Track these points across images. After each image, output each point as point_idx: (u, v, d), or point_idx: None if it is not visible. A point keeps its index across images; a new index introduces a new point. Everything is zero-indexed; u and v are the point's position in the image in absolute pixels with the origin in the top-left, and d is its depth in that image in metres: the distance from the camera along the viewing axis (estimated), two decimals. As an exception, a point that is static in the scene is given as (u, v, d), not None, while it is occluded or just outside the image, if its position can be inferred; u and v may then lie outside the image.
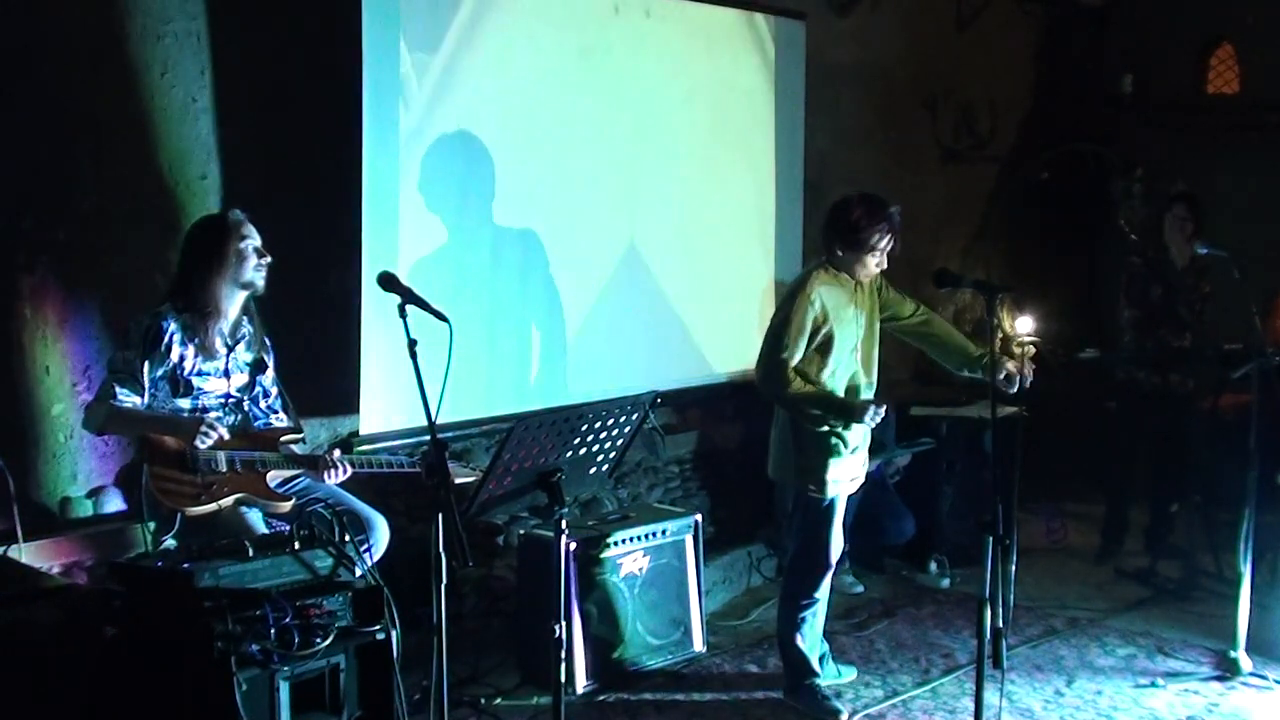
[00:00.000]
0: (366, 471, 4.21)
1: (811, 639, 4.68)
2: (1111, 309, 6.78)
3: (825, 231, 4.57)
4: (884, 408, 4.49)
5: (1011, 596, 4.98)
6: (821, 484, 4.52)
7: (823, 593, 4.67)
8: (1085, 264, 8.48)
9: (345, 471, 4.10)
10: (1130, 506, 6.59)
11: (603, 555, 4.83)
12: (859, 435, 4.57)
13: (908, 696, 4.78)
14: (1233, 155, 8.17)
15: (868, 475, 4.79)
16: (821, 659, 4.76)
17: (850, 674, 4.94)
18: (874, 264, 4.49)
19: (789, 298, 4.55)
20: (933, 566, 6.23)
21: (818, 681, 4.66)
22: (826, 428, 4.48)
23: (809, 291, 4.46)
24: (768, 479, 4.83)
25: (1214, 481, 5.98)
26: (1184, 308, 6.25)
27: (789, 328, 4.44)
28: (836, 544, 4.63)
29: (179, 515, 3.84)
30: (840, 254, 4.50)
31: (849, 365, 4.54)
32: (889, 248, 4.47)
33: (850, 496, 4.67)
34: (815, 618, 4.68)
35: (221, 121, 4.70)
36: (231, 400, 4.11)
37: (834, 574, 4.78)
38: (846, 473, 4.57)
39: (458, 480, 3.87)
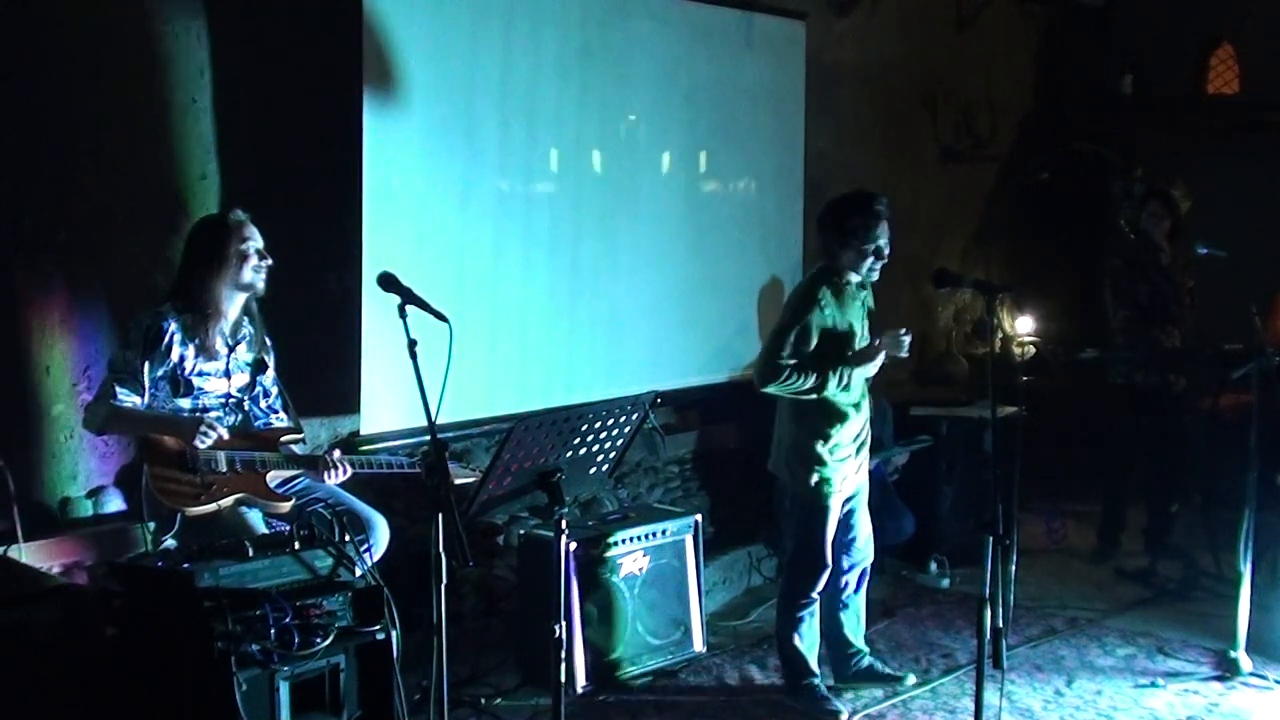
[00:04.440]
0: (366, 472, 4.21)
1: (810, 638, 4.67)
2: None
3: (820, 234, 4.59)
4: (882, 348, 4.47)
5: (1011, 596, 4.98)
6: (807, 482, 4.53)
7: (820, 592, 4.65)
8: (1085, 264, 8.48)
9: (345, 472, 4.10)
10: (1126, 507, 6.59)
11: (603, 555, 4.82)
12: (854, 435, 4.56)
13: (908, 696, 4.77)
14: (1233, 155, 8.18)
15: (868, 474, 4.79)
16: (860, 657, 4.76)
17: (910, 677, 4.86)
18: (873, 259, 4.48)
19: (795, 301, 4.55)
20: (933, 566, 6.22)
21: (816, 681, 4.65)
22: (825, 430, 4.48)
23: (817, 297, 4.47)
24: (767, 479, 4.83)
25: (1214, 481, 5.99)
26: (1172, 304, 6.26)
27: (792, 331, 4.45)
28: (847, 542, 4.63)
29: (179, 515, 3.83)
30: (839, 254, 4.50)
31: (855, 375, 4.52)
32: (885, 241, 4.47)
33: (854, 496, 4.66)
34: (813, 618, 4.67)
35: (221, 121, 4.70)
36: (232, 400, 4.11)
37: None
38: (841, 474, 4.55)
39: (458, 480, 3.87)
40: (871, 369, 4.51)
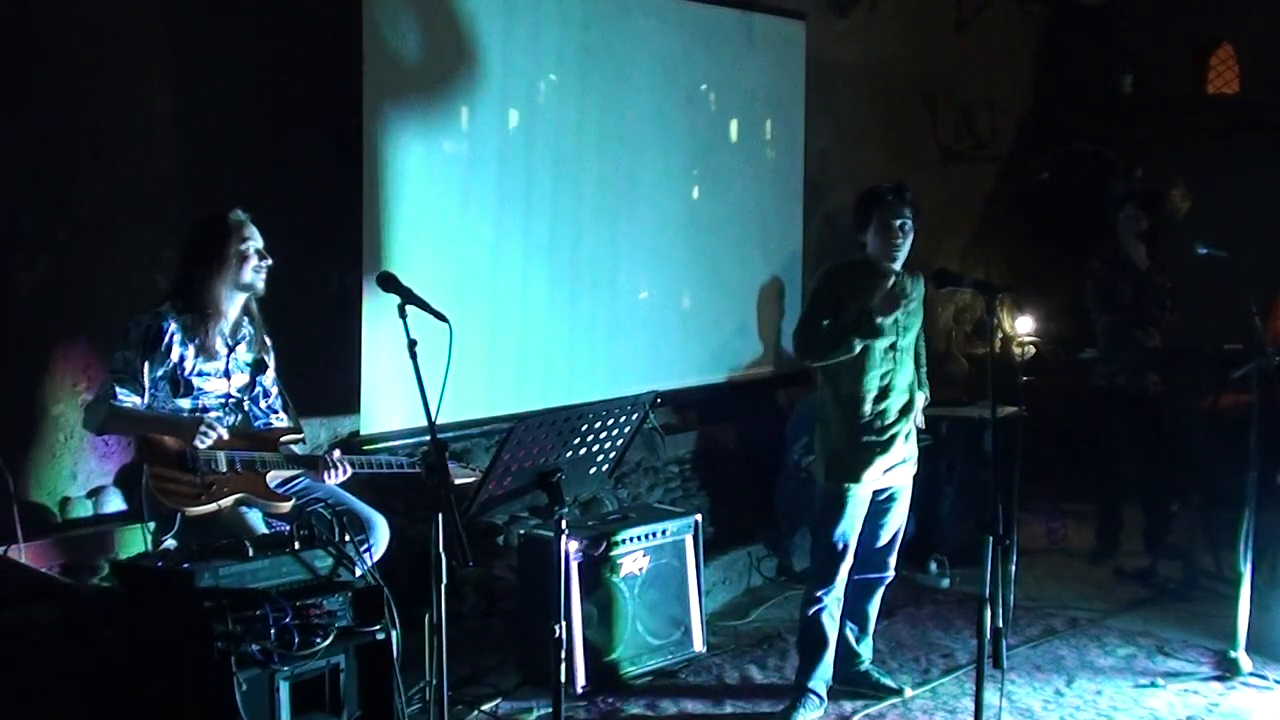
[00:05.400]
0: (366, 472, 4.21)
1: (824, 638, 4.59)
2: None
3: (853, 224, 4.64)
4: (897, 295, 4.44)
5: (1011, 596, 4.98)
6: (821, 469, 4.54)
7: (841, 583, 4.57)
8: (1085, 264, 8.48)
9: (345, 471, 4.10)
10: (1123, 506, 6.59)
11: (603, 555, 4.81)
12: (877, 425, 4.51)
13: (908, 696, 4.78)
14: (1233, 155, 8.17)
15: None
16: (859, 662, 4.76)
17: (906, 689, 4.80)
18: (893, 241, 4.46)
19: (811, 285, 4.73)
20: (933, 566, 6.22)
21: (804, 698, 4.57)
22: (837, 417, 4.49)
23: (823, 272, 4.63)
24: (768, 478, 4.82)
25: (1214, 481, 5.98)
26: (1153, 305, 6.27)
27: (808, 305, 4.62)
28: (870, 548, 4.62)
29: (179, 515, 3.84)
30: (864, 241, 4.54)
31: (883, 362, 4.48)
32: (899, 222, 4.46)
33: (888, 500, 4.63)
34: (831, 617, 4.58)
35: (221, 122, 4.70)
36: (231, 400, 4.11)
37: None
38: (864, 466, 4.50)
39: (458, 480, 3.87)
40: (889, 315, 4.44)
